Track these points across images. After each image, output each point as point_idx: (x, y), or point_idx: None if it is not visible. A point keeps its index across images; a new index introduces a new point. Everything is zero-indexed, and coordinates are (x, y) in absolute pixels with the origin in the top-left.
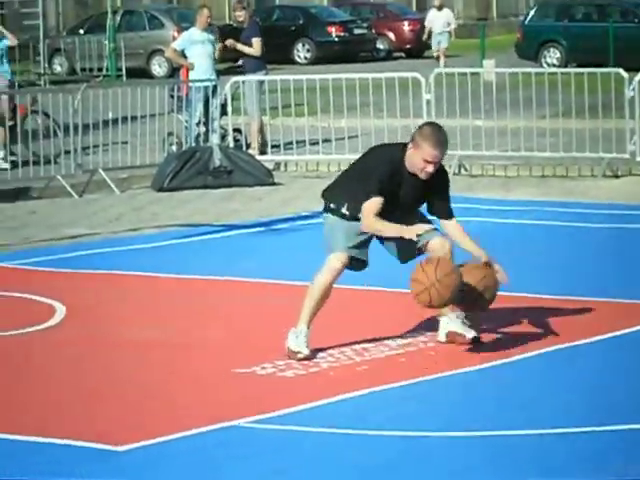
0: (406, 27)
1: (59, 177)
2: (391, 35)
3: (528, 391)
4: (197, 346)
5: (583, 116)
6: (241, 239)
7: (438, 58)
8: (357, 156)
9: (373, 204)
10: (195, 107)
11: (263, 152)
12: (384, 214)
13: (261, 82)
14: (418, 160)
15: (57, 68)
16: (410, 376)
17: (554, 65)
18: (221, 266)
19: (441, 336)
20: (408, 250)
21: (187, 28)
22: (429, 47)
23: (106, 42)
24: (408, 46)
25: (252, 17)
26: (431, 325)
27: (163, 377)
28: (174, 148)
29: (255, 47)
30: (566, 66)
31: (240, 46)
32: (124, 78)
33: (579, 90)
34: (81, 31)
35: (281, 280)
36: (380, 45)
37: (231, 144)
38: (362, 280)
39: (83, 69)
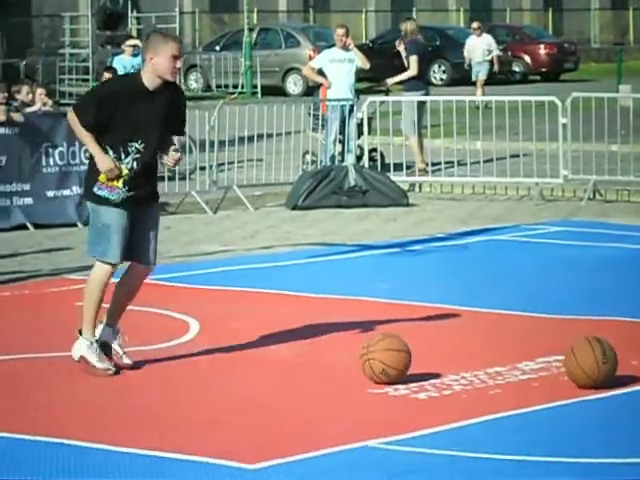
0: (542, 50)
1: (194, 193)
2: (527, 58)
3: None
4: (330, 366)
5: None
6: (374, 260)
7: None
8: (492, 179)
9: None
10: (331, 126)
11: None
12: (124, 139)
13: (422, 102)
14: (166, 62)
15: (192, 84)
16: (544, 401)
17: None
18: (354, 286)
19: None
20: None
21: (323, 47)
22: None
23: (242, 59)
24: (544, 69)
25: (411, 34)
26: (563, 350)
27: (295, 396)
28: (310, 167)
29: (412, 67)
30: None
31: (394, 79)
32: (259, 95)
33: None
34: (217, 48)
35: (414, 302)
36: (516, 68)
37: (366, 164)
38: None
39: (218, 86)
